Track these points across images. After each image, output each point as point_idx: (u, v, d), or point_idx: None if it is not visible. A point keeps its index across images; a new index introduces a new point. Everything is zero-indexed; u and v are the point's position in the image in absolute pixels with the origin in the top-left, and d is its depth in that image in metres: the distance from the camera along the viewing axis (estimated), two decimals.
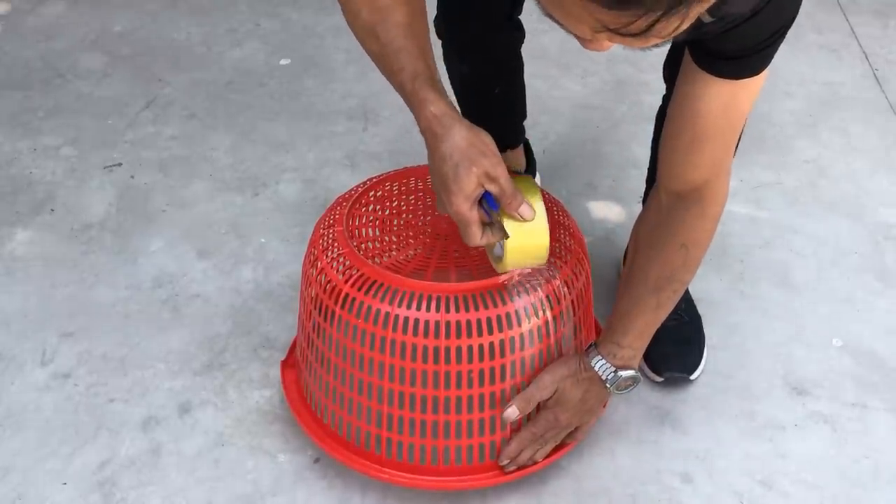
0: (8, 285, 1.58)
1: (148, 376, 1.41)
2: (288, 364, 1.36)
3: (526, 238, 1.02)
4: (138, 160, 1.88)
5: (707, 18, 0.88)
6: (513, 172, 1.03)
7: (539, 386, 1.17)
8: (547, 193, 1.30)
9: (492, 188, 1.00)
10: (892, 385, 1.41)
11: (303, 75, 2.16)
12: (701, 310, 1.48)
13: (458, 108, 1.04)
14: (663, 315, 1.20)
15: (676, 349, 1.41)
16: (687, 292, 1.48)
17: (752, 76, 1.03)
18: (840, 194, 1.80)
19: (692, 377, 1.40)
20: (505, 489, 1.24)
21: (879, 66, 2.21)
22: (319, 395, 1.25)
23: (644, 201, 1.49)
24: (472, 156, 0.99)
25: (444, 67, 1.54)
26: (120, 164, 1.87)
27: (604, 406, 1.28)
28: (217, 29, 2.34)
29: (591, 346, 1.21)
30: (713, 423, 1.35)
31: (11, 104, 2.04)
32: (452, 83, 1.55)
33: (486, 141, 1.01)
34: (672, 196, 1.15)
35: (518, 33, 1.48)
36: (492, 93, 1.54)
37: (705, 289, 1.55)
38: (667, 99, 1.36)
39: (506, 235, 1.02)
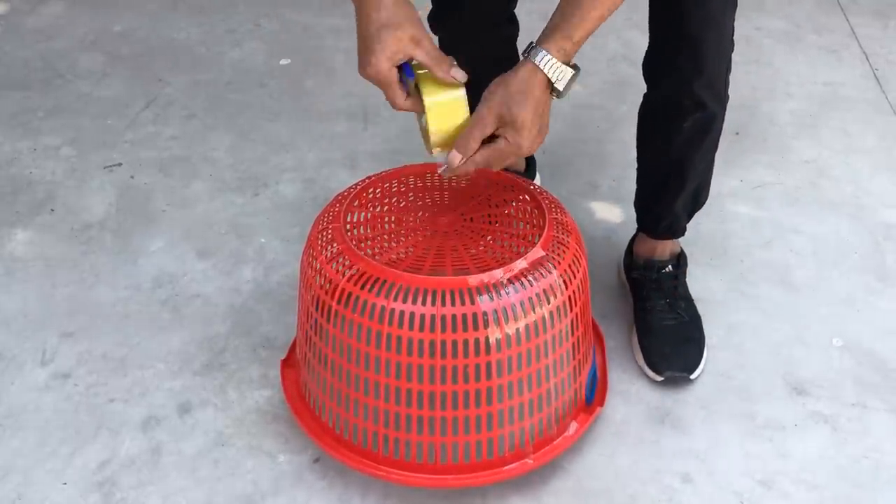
0: (8, 285, 1.58)
1: (148, 376, 1.41)
2: (288, 363, 1.36)
3: (445, 93, 1.07)
4: (138, 160, 1.88)
5: None
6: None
7: (480, 122, 1.06)
8: (543, 191, 1.30)
9: (417, 53, 1.04)
10: (892, 385, 1.41)
11: (303, 75, 2.16)
12: (701, 310, 1.48)
13: None
14: (614, 8, 1.08)
15: (676, 349, 1.41)
16: (687, 292, 1.48)
17: None
18: (840, 194, 1.80)
19: (692, 377, 1.40)
20: (505, 489, 1.24)
21: (879, 66, 2.21)
22: (317, 392, 1.25)
23: (636, 203, 1.49)
24: (399, 21, 1.02)
25: None
26: (120, 164, 1.87)
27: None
28: (217, 29, 2.34)
29: (532, 47, 1.09)
30: (713, 423, 1.35)
31: (11, 104, 2.04)
32: None
33: (413, 12, 1.04)
34: None
35: (513, 27, 1.49)
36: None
37: (705, 289, 1.55)
38: (648, 97, 1.37)
39: (422, 103, 1.06)
